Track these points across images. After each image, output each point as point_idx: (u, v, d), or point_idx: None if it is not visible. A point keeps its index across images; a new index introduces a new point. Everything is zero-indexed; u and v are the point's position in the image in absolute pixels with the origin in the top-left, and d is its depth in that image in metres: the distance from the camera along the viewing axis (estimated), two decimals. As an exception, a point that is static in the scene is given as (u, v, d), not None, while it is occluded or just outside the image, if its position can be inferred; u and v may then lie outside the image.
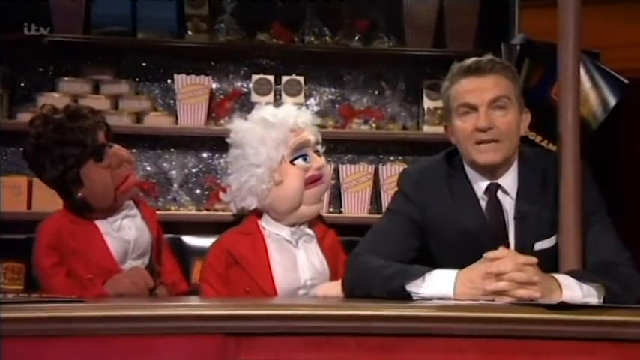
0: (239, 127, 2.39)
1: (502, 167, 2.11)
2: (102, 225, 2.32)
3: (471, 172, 2.14)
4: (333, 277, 2.31)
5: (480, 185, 2.13)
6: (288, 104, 2.48)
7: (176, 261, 2.52)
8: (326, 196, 3.03)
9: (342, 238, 2.48)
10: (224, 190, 3.64)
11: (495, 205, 2.11)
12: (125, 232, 2.34)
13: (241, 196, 2.36)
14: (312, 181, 2.35)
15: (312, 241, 2.39)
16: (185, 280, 2.50)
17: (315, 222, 2.42)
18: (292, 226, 2.37)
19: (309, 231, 2.39)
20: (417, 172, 2.24)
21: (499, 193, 2.12)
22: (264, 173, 2.31)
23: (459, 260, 1.93)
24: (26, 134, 2.31)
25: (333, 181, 3.22)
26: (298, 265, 2.33)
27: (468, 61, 2.11)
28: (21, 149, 3.62)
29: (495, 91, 2.07)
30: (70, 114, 2.28)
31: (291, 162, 2.34)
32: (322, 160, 2.41)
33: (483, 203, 2.12)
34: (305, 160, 2.35)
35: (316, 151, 2.41)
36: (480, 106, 2.06)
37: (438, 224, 2.12)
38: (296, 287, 2.31)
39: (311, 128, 2.40)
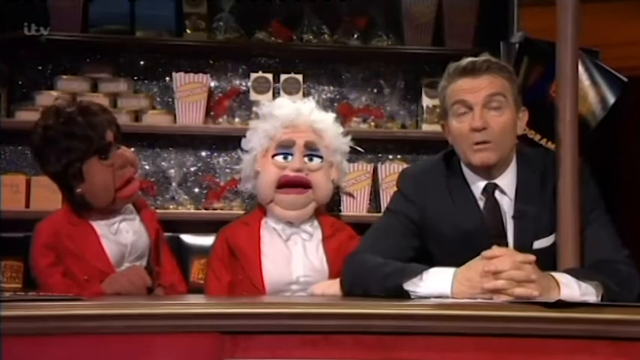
0: (258, 112, 2.51)
1: (499, 167, 2.11)
2: (99, 227, 2.32)
3: (468, 172, 2.14)
4: (334, 276, 2.30)
5: (478, 185, 2.13)
6: (308, 102, 2.50)
7: (176, 262, 2.52)
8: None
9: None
10: (223, 189, 3.68)
11: (493, 205, 2.11)
12: (122, 235, 2.34)
13: (243, 178, 2.48)
14: (285, 182, 2.35)
15: (312, 239, 2.38)
16: (184, 282, 2.50)
17: (326, 220, 2.43)
18: (287, 222, 2.38)
19: (309, 228, 2.39)
20: (416, 172, 2.25)
21: (497, 193, 2.11)
22: (249, 160, 2.41)
23: (458, 260, 1.93)
24: (36, 125, 2.30)
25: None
26: (292, 261, 2.33)
27: (464, 62, 2.12)
28: (19, 147, 3.70)
29: (490, 89, 2.07)
30: (81, 109, 2.28)
31: (273, 156, 2.36)
32: (304, 165, 2.36)
33: (481, 203, 2.12)
34: (285, 158, 2.36)
35: (316, 156, 2.39)
36: (474, 105, 2.06)
37: (437, 224, 2.13)
38: (287, 282, 2.31)
39: (326, 132, 2.40)
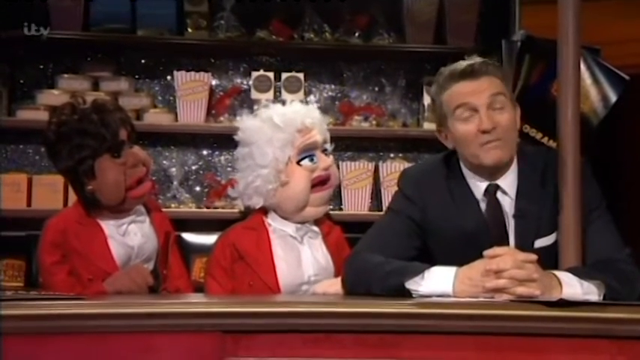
0: (247, 125, 2.39)
1: (504, 167, 2.11)
2: (107, 228, 2.31)
3: (468, 174, 2.14)
4: (338, 273, 2.30)
5: (479, 187, 2.12)
6: (297, 102, 2.47)
7: (185, 268, 2.51)
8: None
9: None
10: (224, 187, 3.68)
11: (495, 206, 2.10)
12: (130, 237, 2.33)
13: (248, 195, 2.36)
14: (318, 182, 2.35)
15: (317, 238, 2.39)
16: (191, 287, 2.48)
17: (321, 218, 2.42)
18: (298, 223, 2.37)
19: (315, 227, 2.39)
20: (417, 172, 2.25)
21: (498, 194, 2.11)
22: (269, 173, 2.31)
23: (459, 259, 1.93)
24: (50, 120, 2.31)
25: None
26: (302, 261, 2.33)
27: (461, 66, 2.11)
28: (21, 146, 3.70)
29: (492, 89, 2.06)
30: (96, 106, 2.29)
31: (298, 162, 2.33)
32: (329, 160, 2.39)
33: (483, 205, 2.11)
34: (312, 160, 2.35)
35: (325, 150, 2.40)
36: (480, 107, 2.05)
37: (438, 224, 2.12)
38: (300, 283, 2.31)
39: (320, 127, 2.39)
